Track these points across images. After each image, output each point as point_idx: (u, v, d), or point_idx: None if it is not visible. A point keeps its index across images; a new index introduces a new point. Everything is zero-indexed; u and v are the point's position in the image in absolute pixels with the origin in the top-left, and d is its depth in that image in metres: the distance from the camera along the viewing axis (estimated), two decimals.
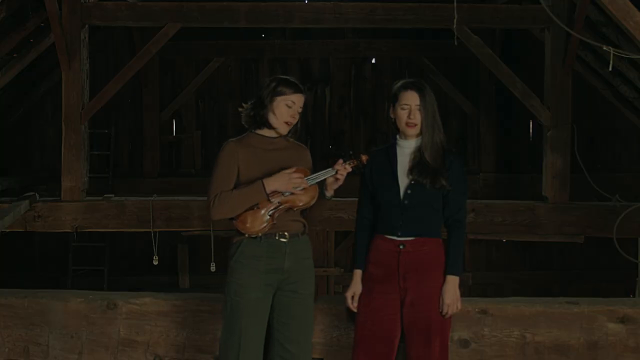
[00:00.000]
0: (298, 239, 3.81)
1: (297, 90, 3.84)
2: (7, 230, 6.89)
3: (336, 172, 3.80)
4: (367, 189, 3.93)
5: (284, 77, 3.90)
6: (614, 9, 4.21)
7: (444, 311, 3.75)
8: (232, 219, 3.75)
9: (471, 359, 4.23)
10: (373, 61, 10.50)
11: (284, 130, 3.82)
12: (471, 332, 4.23)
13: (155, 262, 7.34)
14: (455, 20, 6.14)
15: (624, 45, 7.06)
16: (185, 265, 9.91)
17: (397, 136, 3.90)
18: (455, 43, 6.55)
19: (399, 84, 3.86)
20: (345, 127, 10.50)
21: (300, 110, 3.85)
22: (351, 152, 3.87)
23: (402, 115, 3.80)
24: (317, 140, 10.37)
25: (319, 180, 3.80)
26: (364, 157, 3.85)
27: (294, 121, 3.84)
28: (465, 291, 4.02)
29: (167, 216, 7.19)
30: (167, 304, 4.36)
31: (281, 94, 3.79)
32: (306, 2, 7.80)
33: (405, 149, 3.84)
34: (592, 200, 7.59)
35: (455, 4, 6.01)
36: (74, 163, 7.08)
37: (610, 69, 5.80)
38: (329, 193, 3.86)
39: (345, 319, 4.21)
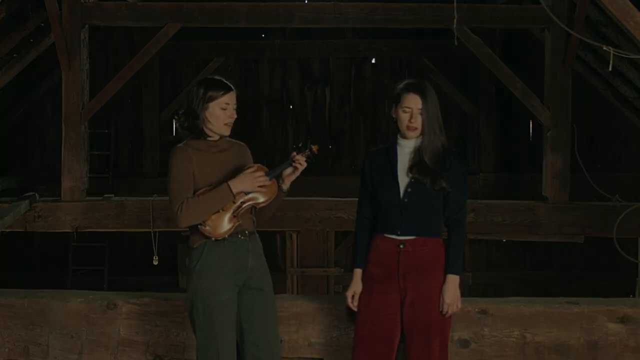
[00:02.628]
0: (254, 237, 3.85)
1: (227, 89, 3.78)
2: (7, 230, 6.89)
3: (293, 163, 3.82)
4: (366, 189, 3.92)
5: (210, 78, 3.85)
6: (614, 9, 4.22)
7: (444, 311, 3.75)
8: (197, 224, 3.72)
9: (471, 359, 4.23)
10: (373, 61, 10.50)
11: (226, 131, 3.81)
12: (471, 332, 4.23)
13: (155, 262, 7.34)
14: (455, 20, 6.14)
15: (624, 45, 7.06)
16: (185, 265, 9.90)
17: (398, 135, 3.89)
18: (455, 43, 6.54)
19: (402, 85, 3.84)
20: (345, 127, 10.50)
21: (235, 107, 3.81)
22: (300, 144, 3.89)
23: (404, 118, 3.79)
24: (317, 140, 10.34)
25: (276, 174, 3.84)
26: (314, 148, 3.89)
27: (233, 120, 3.81)
28: (465, 291, 4.02)
29: (167, 216, 7.18)
30: (167, 304, 4.36)
31: (212, 99, 3.74)
32: (306, 2, 7.80)
33: (406, 148, 3.84)
34: (592, 200, 7.59)
35: (455, 4, 6.01)
36: (74, 163, 7.08)
37: (610, 69, 5.81)
38: (286, 186, 3.87)
39: (345, 319, 4.22)
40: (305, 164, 3.84)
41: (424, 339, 3.73)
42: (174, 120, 3.93)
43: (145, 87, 10.14)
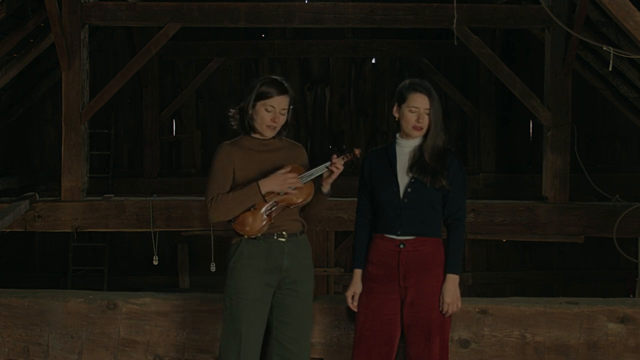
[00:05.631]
0: (297, 239, 3.84)
1: (279, 92, 3.78)
2: (7, 230, 6.89)
3: (330, 165, 3.81)
4: (366, 189, 3.93)
5: (270, 78, 3.85)
6: (614, 9, 4.22)
7: (444, 310, 3.75)
8: (230, 220, 3.78)
9: (471, 359, 4.23)
10: (373, 61, 10.50)
11: (268, 133, 3.83)
12: (471, 332, 4.23)
13: (155, 262, 7.34)
14: (455, 20, 6.15)
15: (624, 45, 7.07)
16: (185, 265, 9.92)
17: (397, 135, 3.90)
18: (455, 43, 6.55)
19: (408, 84, 3.84)
20: (345, 127, 10.49)
21: (283, 111, 3.81)
22: (344, 147, 3.90)
23: (410, 117, 3.79)
24: (316, 140, 10.36)
25: (313, 177, 3.83)
26: (357, 151, 3.88)
27: (276, 124, 3.80)
28: (465, 291, 4.03)
29: (167, 216, 7.19)
30: (167, 304, 4.36)
31: (261, 98, 3.77)
32: (306, 2, 7.80)
33: (405, 148, 3.85)
34: (592, 200, 7.59)
35: (455, 4, 6.01)
36: (74, 163, 7.08)
37: (610, 69, 5.81)
38: (325, 188, 3.87)
39: (345, 319, 4.22)
40: (342, 168, 3.81)
41: (424, 338, 3.73)
42: (228, 116, 3.91)
43: (145, 87, 10.13)
